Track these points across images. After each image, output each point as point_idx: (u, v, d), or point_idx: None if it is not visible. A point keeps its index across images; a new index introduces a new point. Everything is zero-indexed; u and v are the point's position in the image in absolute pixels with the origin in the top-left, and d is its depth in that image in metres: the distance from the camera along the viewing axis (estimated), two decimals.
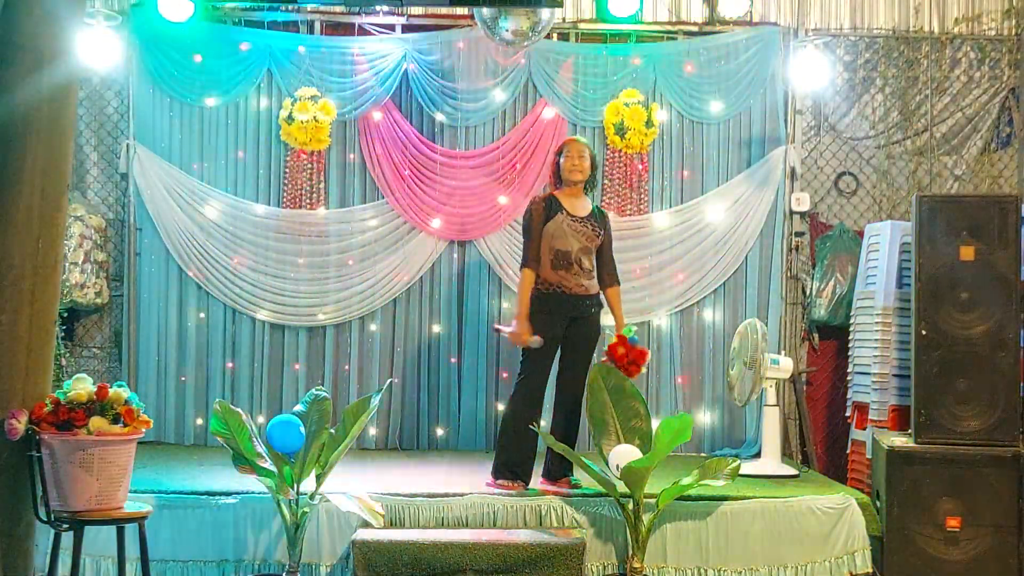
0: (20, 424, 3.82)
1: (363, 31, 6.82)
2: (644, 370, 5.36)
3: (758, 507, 5.04)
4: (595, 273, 5.39)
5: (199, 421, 6.65)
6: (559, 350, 5.36)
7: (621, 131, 6.69)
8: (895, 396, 5.91)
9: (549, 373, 5.32)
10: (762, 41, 6.79)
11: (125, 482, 4.01)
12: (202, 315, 6.73)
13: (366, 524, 4.71)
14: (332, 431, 4.71)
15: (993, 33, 7.00)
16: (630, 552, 4.76)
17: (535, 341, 5.15)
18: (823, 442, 6.90)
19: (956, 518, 5.13)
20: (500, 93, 6.75)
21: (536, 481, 5.30)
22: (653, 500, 4.77)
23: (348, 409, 4.80)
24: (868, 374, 6.10)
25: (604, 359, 5.27)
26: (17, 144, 3.92)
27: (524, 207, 6.47)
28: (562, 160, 5.35)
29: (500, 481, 5.21)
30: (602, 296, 5.43)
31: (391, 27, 6.82)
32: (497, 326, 5.42)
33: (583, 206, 5.39)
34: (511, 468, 5.22)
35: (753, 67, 6.78)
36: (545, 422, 5.57)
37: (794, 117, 6.88)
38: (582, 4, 6.89)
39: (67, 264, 6.35)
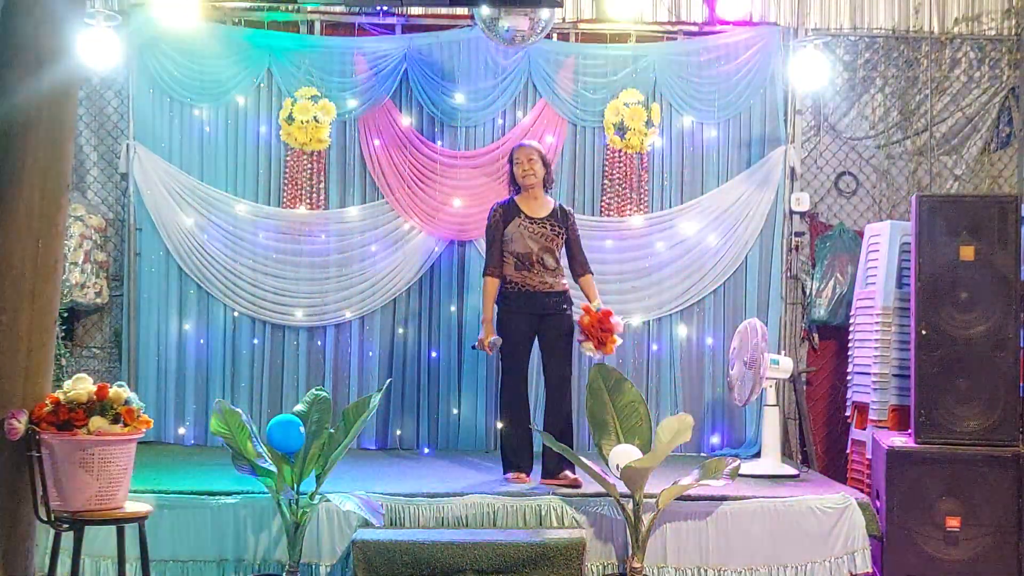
0: (20, 424, 3.82)
1: (363, 31, 6.82)
2: (620, 340, 5.44)
3: (758, 507, 5.04)
4: (559, 270, 5.54)
5: (199, 421, 6.64)
6: (541, 354, 5.55)
7: (621, 131, 6.69)
8: (895, 396, 5.91)
9: (526, 369, 5.54)
10: (762, 41, 6.79)
11: (125, 482, 4.01)
12: (202, 315, 6.72)
13: (366, 524, 4.72)
14: (332, 431, 4.71)
15: (993, 33, 7.00)
16: (630, 552, 4.76)
17: (493, 342, 5.41)
18: (823, 442, 6.90)
19: (956, 518, 5.13)
20: (500, 93, 6.75)
21: (536, 481, 5.38)
22: (653, 500, 4.77)
23: (348, 409, 4.80)
24: (868, 374, 6.10)
25: (580, 338, 5.41)
26: (17, 144, 3.92)
27: None
28: (513, 169, 5.56)
29: (507, 475, 5.42)
30: (571, 293, 5.58)
31: (391, 27, 6.82)
32: (473, 344, 5.62)
33: (543, 207, 5.56)
34: (510, 460, 5.44)
35: (753, 67, 6.78)
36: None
37: (794, 117, 6.88)
38: (582, 4, 6.89)
39: (67, 264, 6.35)
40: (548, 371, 5.50)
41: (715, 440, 6.78)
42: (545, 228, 5.47)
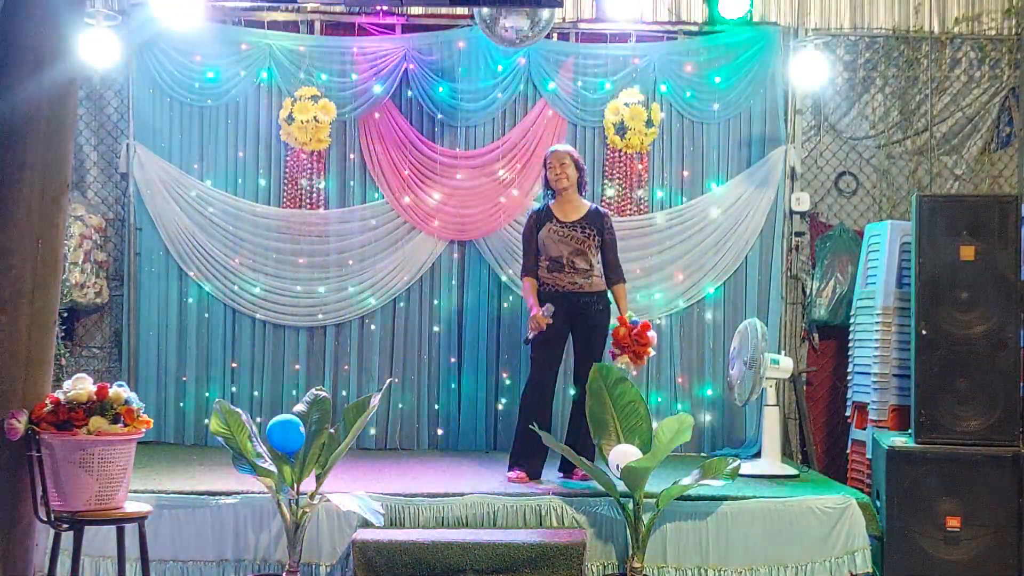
0: (20, 424, 3.82)
1: (363, 31, 6.82)
2: (653, 352, 5.48)
3: (758, 507, 5.04)
4: (594, 272, 5.52)
5: (199, 421, 6.65)
6: (575, 356, 5.59)
7: (621, 131, 6.69)
8: (895, 396, 5.91)
9: (556, 370, 5.54)
10: (762, 41, 6.79)
11: (125, 482, 4.01)
12: (202, 315, 6.73)
13: (366, 524, 4.72)
14: (332, 431, 4.71)
15: (993, 33, 7.00)
16: (630, 552, 4.76)
17: (546, 311, 5.34)
18: (823, 442, 6.90)
19: (956, 518, 5.13)
20: (500, 93, 6.75)
21: (555, 475, 5.50)
22: (653, 500, 4.77)
23: (348, 409, 4.79)
24: (868, 374, 6.10)
25: (613, 351, 5.43)
26: (17, 144, 3.92)
27: (524, 207, 6.63)
28: (546, 173, 5.62)
29: (510, 473, 5.43)
30: (610, 294, 5.59)
31: (391, 27, 6.82)
32: (526, 336, 5.52)
33: (576, 210, 5.59)
34: (518, 459, 5.45)
35: (753, 67, 6.78)
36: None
37: (794, 117, 6.88)
38: (582, 4, 6.89)
39: (67, 264, 6.35)
40: (580, 373, 5.49)
41: (715, 440, 6.77)
42: (575, 231, 5.49)
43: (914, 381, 5.32)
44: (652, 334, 5.44)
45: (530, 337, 5.43)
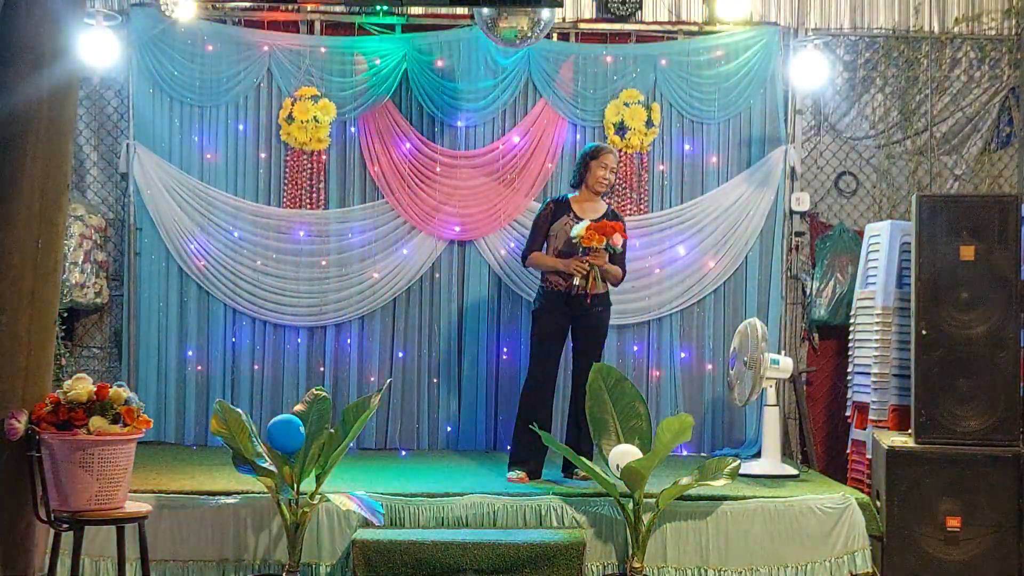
0: (20, 424, 3.82)
1: (363, 31, 6.82)
2: (604, 254, 5.36)
3: (758, 507, 5.04)
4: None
5: (199, 421, 6.65)
6: (573, 356, 5.60)
7: (621, 131, 6.69)
8: (895, 396, 5.91)
9: (556, 370, 5.54)
10: (762, 41, 6.78)
11: (125, 482, 4.01)
12: (202, 315, 6.72)
13: (366, 524, 4.72)
14: (332, 431, 4.71)
15: (993, 33, 7.00)
16: (630, 552, 4.77)
17: (579, 258, 5.30)
18: (823, 442, 6.90)
19: (956, 518, 5.13)
20: (500, 93, 6.74)
21: (555, 475, 5.49)
22: (653, 500, 4.78)
23: (348, 409, 4.80)
24: (868, 374, 6.09)
25: (589, 234, 5.29)
26: (17, 144, 3.93)
27: (524, 207, 6.64)
28: (594, 167, 5.52)
29: (510, 474, 5.43)
30: (610, 296, 5.58)
31: (391, 27, 6.82)
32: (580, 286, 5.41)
33: (595, 209, 5.59)
34: (518, 458, 5.45)
35: (753, 67, 6.78)
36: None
37: (794, 117, 6.88)
38: (582, 4, 6.89)
39: (67, 264, 6.35)
40: (578, 374, 5.48)
41: (715, 440, 6.78)
42: None
43: (914, 381, 5.32)
44: (617, 237, 5.34)
45: (577, 283, 5.32)
